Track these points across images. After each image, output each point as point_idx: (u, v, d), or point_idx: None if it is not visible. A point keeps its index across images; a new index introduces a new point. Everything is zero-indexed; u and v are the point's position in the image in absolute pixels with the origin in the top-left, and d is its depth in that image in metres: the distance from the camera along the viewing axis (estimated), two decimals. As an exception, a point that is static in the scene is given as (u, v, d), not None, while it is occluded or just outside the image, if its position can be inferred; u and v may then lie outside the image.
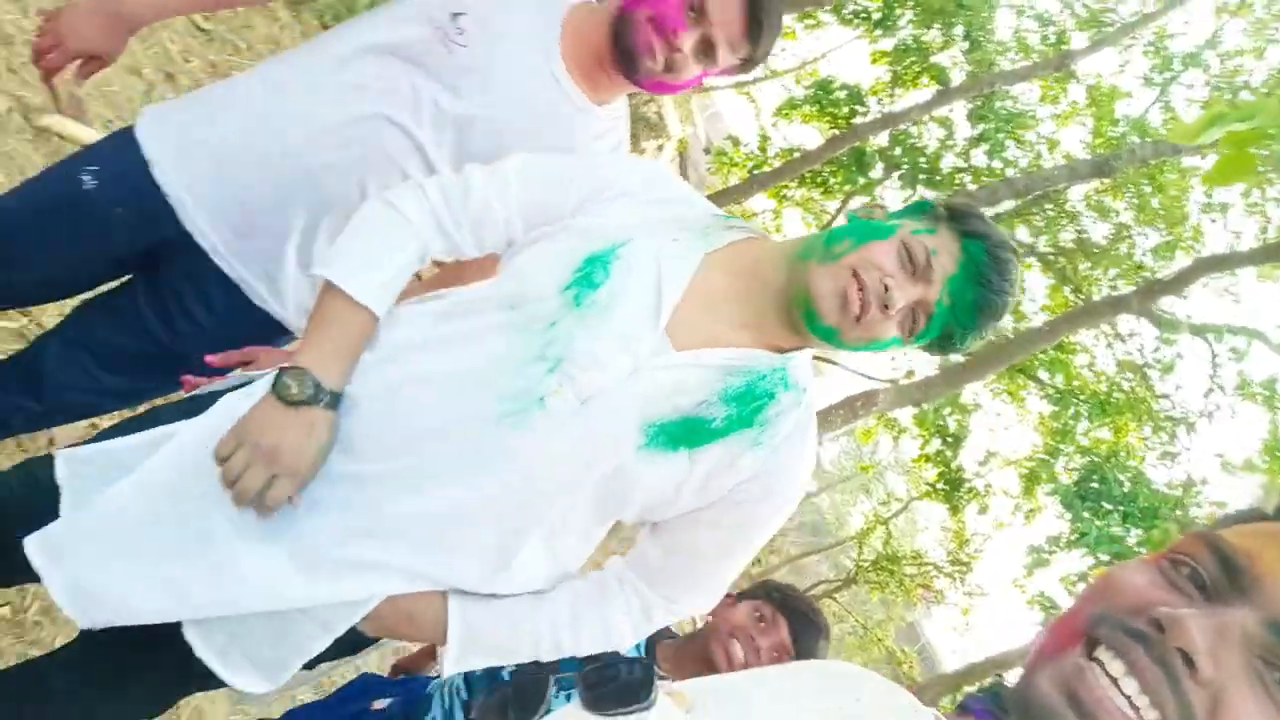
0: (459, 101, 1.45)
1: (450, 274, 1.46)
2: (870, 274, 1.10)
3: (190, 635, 1.13)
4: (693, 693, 0.71)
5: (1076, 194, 10.29)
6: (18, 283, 1.52)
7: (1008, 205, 9.71)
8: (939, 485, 10.71)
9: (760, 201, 11.17)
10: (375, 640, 1.30)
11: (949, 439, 10.60)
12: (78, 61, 1.51)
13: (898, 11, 8.98)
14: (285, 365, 1.10)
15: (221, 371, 1.28)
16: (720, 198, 8.34)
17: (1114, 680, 0.56)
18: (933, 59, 9.75)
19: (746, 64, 1.52)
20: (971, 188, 9.84)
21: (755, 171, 10.20)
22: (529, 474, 1.10)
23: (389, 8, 1.51)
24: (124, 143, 1.46)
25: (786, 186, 10.27)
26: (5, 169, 2.61)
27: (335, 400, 1.11)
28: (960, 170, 10.22)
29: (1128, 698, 0.55)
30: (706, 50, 1.46)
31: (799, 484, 1.20)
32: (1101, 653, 0.58)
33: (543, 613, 1.19)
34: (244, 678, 1.16)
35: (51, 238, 1.46)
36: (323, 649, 1.16)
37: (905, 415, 10.85)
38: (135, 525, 1.09)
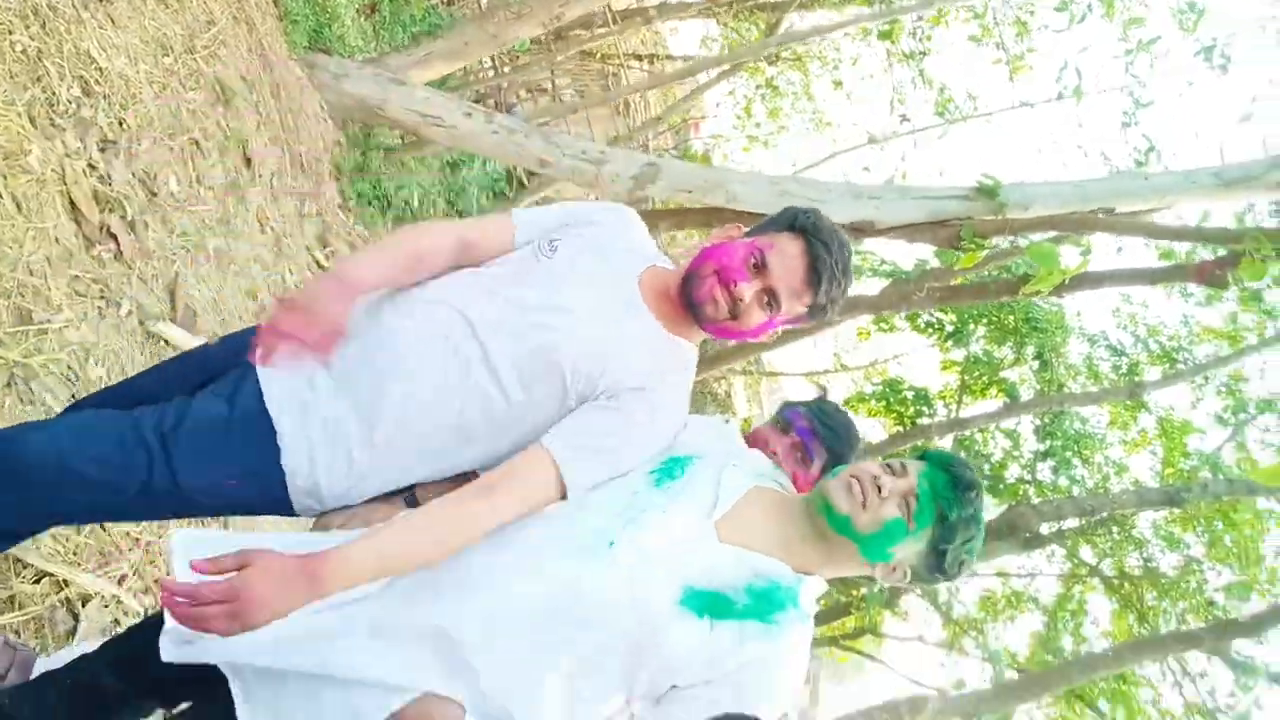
0: (531, 292, 1.60)
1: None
2: (864, 474, 1.48)
3: (242, 714, 1.37)
4: None
5: (1144, 520, 10.07)
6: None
7: (1072, 523, 9.55)
8: None
9: (820, 487, 11.12)
10: None
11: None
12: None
13: (971, 326, 9.28)
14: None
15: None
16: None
17: None
18: (1003, 373, 9.94)
19: (815, 310, 1.66)
20: (1035, 501, 9.73)
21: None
22: (584, 597, 1.36)
23: None
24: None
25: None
26: (109, 364, 2.74)
27: None
28: (1025, 482, 10.15)
29: None
30: (770, 299, 1.61)
31: (789, 684, 1.44)
32: None
33: None
34: None
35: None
36: None
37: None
38: None
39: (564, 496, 1.46)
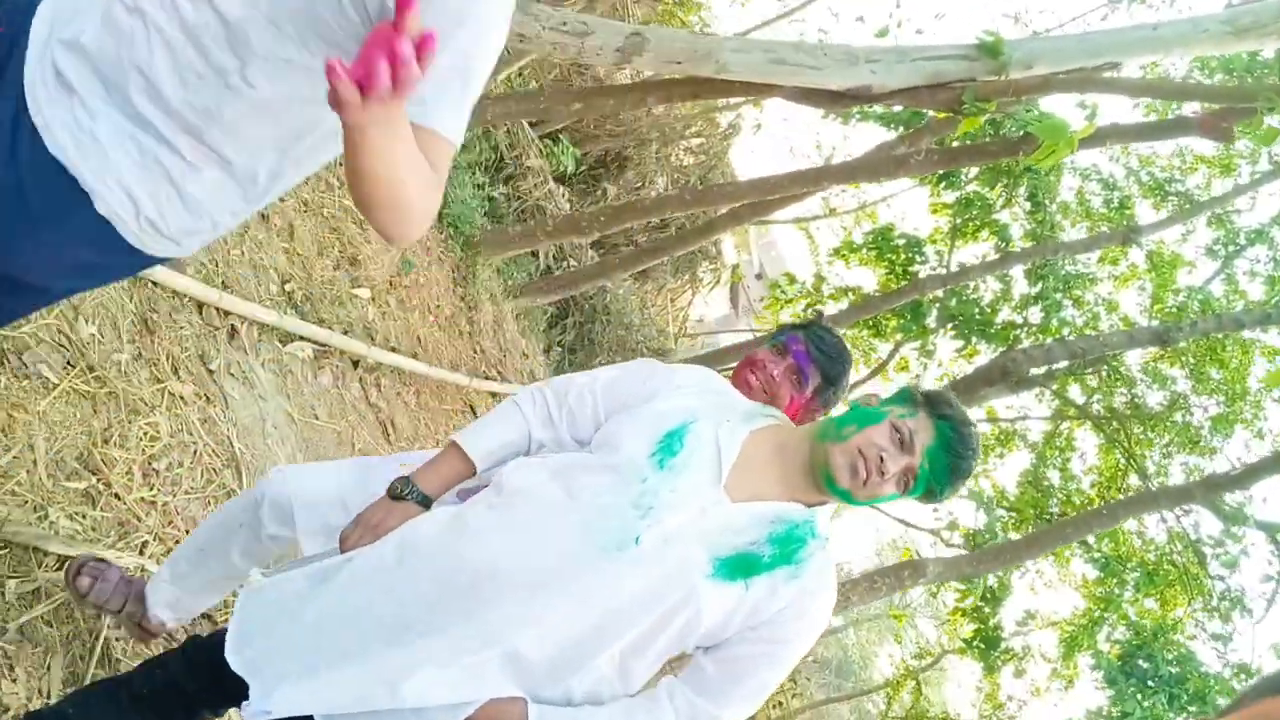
0: None
1: None
2: (870, 450, 1.51)
3: None
4: None
5: (1133, 358, 10.17)
6: None
7: (1062, 365, 9.65)
8: (975, 642, 10.38)
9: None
10: None
11: (988, 595, 10.31)
12: None
13: (963, 168, 9.08)
14: (399, 477, 1.62)
15: None
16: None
17: None
18: (994, 215, 9.81)
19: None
20: (1025, 344, 9.79)
21: (809, 309, 10.26)
22: (621, 598, 1.41)
23: None
24: None
25: (840, 326, 10.25)
26: (99, 319, 2.64)
27: (426, 500, 1.60)
28: (1015, 326, 10.17)
29: None
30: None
31: (824, 612, 1.55)
32: None
33: (600, 716, 1.46)
34: None
35: None
36: None
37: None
38: (313, 641, 1.45)
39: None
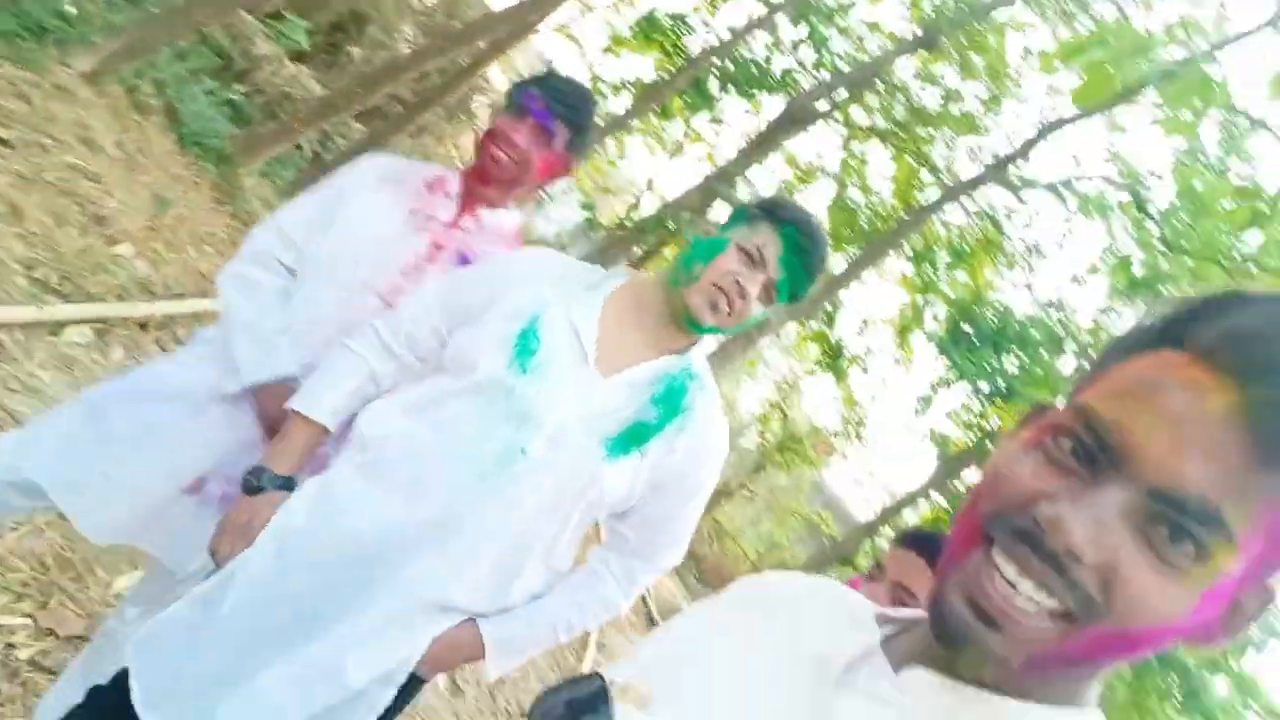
0: None
1: None
2: (725, 280, 1.47)
3: None
4: (645, 682, 0.76)
5: (905, 70, 10.49)
6: None
7: (842, 95, 9.92)
8: (822, 360, 11.28)
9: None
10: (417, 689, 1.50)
11: (825, 317, 11.07)
12: None
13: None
14: (249, 466, 1.50)
15: None
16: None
17: (1011, 582, 0.59)
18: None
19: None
20: (806, 87, 9.98)
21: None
22: (526, 512, 1.39)
23: None
24: None
25: (629, 120, 10.19)
26: None
27: (287, 482, 1.50)
28: (791, 71, 10.34)
29: (1026, 596, 0.58)
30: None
31: (720, 446, 1.55)
32: (997, 554, 0.60)
33: (551, 608, 1.52)
34: None
35: None
36: None
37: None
38: (232, 666, 1.36)
39: None
